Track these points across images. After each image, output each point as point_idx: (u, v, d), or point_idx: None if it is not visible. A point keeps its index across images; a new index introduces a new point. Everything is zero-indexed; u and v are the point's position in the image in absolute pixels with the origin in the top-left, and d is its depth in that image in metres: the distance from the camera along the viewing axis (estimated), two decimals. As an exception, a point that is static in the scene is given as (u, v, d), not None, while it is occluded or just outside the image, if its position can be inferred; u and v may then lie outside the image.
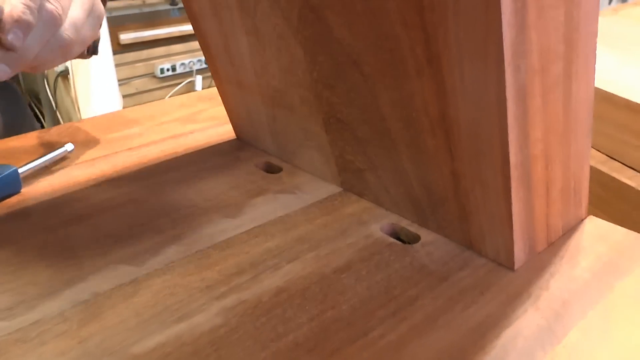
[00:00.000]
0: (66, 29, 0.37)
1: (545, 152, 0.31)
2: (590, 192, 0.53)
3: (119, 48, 1.86)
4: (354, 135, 0.36)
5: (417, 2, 0.27)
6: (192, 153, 0.50)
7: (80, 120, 0.60)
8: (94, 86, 1.65)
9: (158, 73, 2.01)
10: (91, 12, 0.39)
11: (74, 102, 1.64)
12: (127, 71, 1.93)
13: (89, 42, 0.41)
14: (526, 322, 0.29)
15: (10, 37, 0.32)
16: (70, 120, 1.63)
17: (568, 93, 0.31)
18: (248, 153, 0.49)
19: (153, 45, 1.92)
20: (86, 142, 0.53)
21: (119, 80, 1.82)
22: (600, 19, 0.84)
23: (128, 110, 0.61)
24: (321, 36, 0.33)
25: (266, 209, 0.40)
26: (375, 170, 0.37)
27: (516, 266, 0.33)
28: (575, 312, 0.30)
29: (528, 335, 0.28)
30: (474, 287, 0.31)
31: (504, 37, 0.25)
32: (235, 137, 0.53)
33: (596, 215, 0.54)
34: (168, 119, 0.58)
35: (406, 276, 0.32)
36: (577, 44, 0.30)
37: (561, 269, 0.33)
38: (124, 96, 1.89)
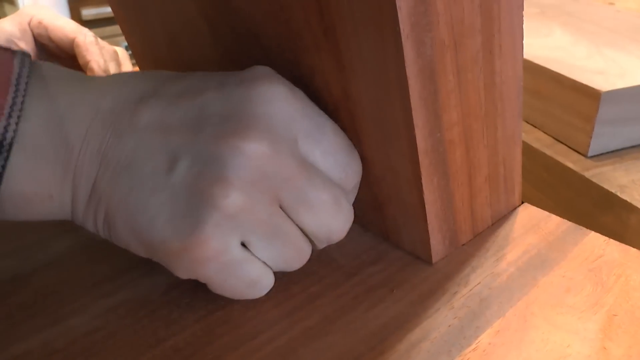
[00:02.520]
0: None
1: (464, 137, 0.29)
2: (535, 176, 0.51)
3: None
4: (265, 117, 0.33)
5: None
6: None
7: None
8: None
9: (123, 50, 1.95)
10: None
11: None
12: (90, 48, 1.86)
13: None
14: (436, 322, 0.26)
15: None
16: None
17: (490, 71, 0.28)
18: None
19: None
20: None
21: (81, 57, 1.75)
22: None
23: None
24: (221, 6, 0.29)
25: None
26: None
27: (434, 260, 0.30)
28: (492, 310, 0.27)
29: (436, 337, 0.26)
30: (384, 283, 0.29)
31: (398, 7, 0.21)
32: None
33: (541, 201, 0.52)
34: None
35: (311, 271, 0.29)
36: (498, 17, 0.27)
37: (485, 262, 0.31)
38: (88, 74, 1.83)
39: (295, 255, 0.27)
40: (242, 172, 0.23)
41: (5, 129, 0.22)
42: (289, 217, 0.26)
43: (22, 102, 0.22)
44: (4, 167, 0.22)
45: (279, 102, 0.25)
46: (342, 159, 0.27)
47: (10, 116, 0.22)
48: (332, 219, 0.27)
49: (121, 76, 0.26)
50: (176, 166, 0.23)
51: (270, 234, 0.25)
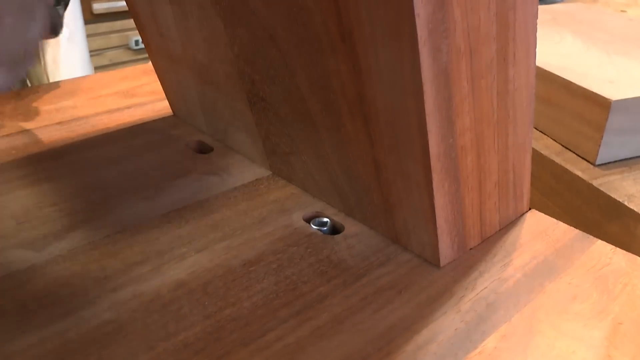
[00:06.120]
0: None
1: (476, 143, 0.29)
2: (543, 183, 0.51)
3: (91, 17, 1.79)
4: (277, 116, 0.34)
5: (329, -30, 0.24)
6: (123, 129, 0.47)
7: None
8: (64, 56, 1.60)
9: (132, 45, 1.95)
10: None
11: (44, 71, 1.59)
12: (100, 42, 1.87)
13: None
14: (443, 325, 0.27)
15: None
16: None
17: (504, 78, 0.29)
18: (181, 131, 0.46)
19: (127, 16, 1.86)
20: (14, 114, 0.50)
21: (91, 51, 1.75)
22: (574, 4, 0.82)
23: (67, 81, 0.57)
24: (238, 7, 0.30)
25: (187, 191, 0.37)
26: (299, 155, 0.34)
27: (442, 263, 0.30)
28: (499, 315, 0.28)
29: (442, 340, 0.26)
30: (392, 285, 0.29)
31: (416, 14, 0.22)
32: (172, 113, 0.50)
33: (548, 208, 0.52)
34: (107, 92, 0.55)
35: (320, 271, 0.29)
36: (513, 25, 0.28)
37: (492, 267, 0.31)
38: (98, 67, 1.84)
39: None
40: None
41: None
42: None
43: None
44: None
45: None
46: None
47: None
48: None
49: None
50: None
51: None
